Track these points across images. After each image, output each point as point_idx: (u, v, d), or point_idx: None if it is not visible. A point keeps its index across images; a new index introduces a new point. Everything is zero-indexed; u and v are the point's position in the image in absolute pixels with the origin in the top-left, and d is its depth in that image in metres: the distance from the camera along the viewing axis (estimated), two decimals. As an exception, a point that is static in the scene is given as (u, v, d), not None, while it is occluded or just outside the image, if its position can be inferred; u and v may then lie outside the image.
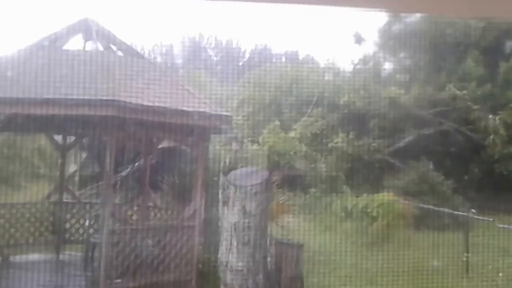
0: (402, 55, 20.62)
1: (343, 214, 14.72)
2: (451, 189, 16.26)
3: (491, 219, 13.47)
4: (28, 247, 11.70)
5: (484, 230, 13.10)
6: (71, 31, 10.84)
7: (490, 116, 17.19)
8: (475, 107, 17.58)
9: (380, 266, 11.23)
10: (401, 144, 17.84)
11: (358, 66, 20.46)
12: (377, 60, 20.58)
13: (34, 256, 11.48)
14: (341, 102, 17.95)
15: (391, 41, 19.69)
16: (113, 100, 9.17)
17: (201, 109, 10.30)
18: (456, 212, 13.87)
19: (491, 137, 16.90)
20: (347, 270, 11.13)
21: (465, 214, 13.49)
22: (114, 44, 11.15)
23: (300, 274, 9.70)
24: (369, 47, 21.26)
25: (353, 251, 12.47)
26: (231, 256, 8.58)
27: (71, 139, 12.81)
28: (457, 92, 17.66)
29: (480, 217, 13.58)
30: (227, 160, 14.64)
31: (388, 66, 21.55)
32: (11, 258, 11.15)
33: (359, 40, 20.29)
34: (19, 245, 11.65)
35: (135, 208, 12.22)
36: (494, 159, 17.04)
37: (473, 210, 13.87)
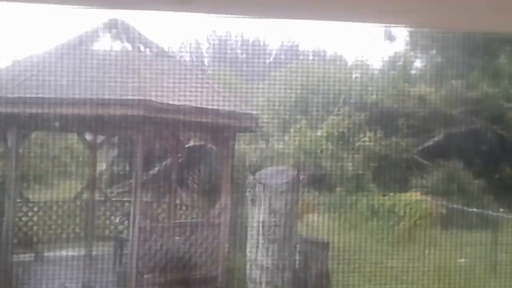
0: (433, 52, 20.32)
1: (369, 213, 14.68)
2: (480, 189, 16.07)
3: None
4: (61, 243, 11.95)
5: (514, 229, 13.02)
6: (100, 31, 11.00)
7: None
8: (507, 105, 17.29)
9: (405, 265, 11.21)
10: (430, 143, 17.66)
11: (387, 64, 20.28)
12: (407, 58, 20.34)
13: (66, 252, 11.73)
14: (369, 101, 17.83)
15: (422, 38, 19.44)
16: (141, 100, 9.32)
17: (228, 108, 10.40)
18: (484, 212, 13.74)
19: None
20: (373, 268, 11.12)
21: (494, 213, 13.38)
22: (142, 44, 11.30)
23: (326, 271, 9.73)
24: (400, 44, 21.00)
25: (379, 249, 12.44)
26: (258, 254, 8.66)
27: (101, 138, 13.00)
28: (489, 90, 17.37)
29: (510, 216, 13.46)
30: (254, 159, 14.72)
31: (418, 63, 21.27)
32: (44, 254, 11.44)
33: (389, 37, 20.08)
34: (51, 241, 11.91)
35: (164, 206, 12.40)
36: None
37: (501, 209, 13.75)
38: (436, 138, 17.65)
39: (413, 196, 14.62)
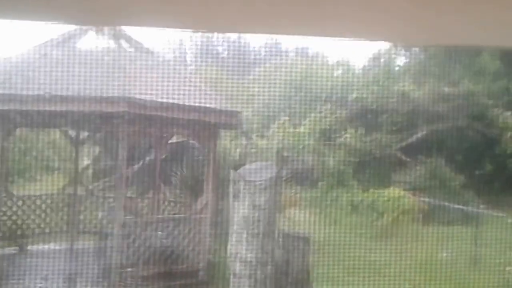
0: (415, 49, 20.42)
1: (350, 208, 14.80)
2: (462, 185, 16.23)
3: (503, 214, 13.53)
4: (44, 237, 12.03)
5: (494, 224, 13.17)
6: (83, 29, 11.06)
7: (509, 113, 17.01)
8: (489, 102, 17.45)
9: (386, 259, 11.36)
10: (413, 139, 17.80)
11: (370, 62, 20.39)
12: (390, 55, 20.44)
13: (49, 246, 11.81)
14: (351, 98, 17.92)
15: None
16: (124, 97, 9.43)
17: (211, 105, 10.52)
18: (465, 207, 13.92)
19: (509, 134, 16.71)
20: (354, 262, 11.24)
21: (475, 209, 13.56)
22: (126, 41, 11.37)
23: (307, 265, 9.88)
24: (383, 42, 21.15)
25: (360, 244, 12.56)
26: (240, 248, 8.78)
27: (84, 134, 13.07)
28: (472, 87, 17.52)
29: (491, 212, 13.65)
30: (237, 155, 14.80)
31: (401, 61, 21.39)
32: (28, 247, 11.52)
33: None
34: (35, 235, 12.00)
35: (146, 201, 12.50)
36: (507, 154, 16.93)
37: (482, 205, 13.93)
38: (418, 135, 17.79)
39: (394, 191, 14.77)
